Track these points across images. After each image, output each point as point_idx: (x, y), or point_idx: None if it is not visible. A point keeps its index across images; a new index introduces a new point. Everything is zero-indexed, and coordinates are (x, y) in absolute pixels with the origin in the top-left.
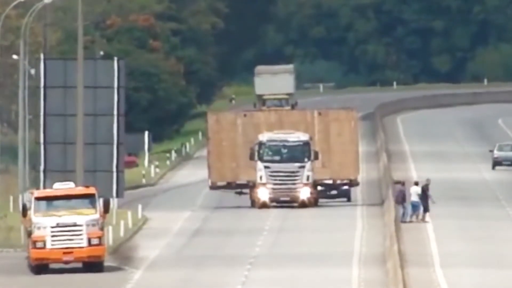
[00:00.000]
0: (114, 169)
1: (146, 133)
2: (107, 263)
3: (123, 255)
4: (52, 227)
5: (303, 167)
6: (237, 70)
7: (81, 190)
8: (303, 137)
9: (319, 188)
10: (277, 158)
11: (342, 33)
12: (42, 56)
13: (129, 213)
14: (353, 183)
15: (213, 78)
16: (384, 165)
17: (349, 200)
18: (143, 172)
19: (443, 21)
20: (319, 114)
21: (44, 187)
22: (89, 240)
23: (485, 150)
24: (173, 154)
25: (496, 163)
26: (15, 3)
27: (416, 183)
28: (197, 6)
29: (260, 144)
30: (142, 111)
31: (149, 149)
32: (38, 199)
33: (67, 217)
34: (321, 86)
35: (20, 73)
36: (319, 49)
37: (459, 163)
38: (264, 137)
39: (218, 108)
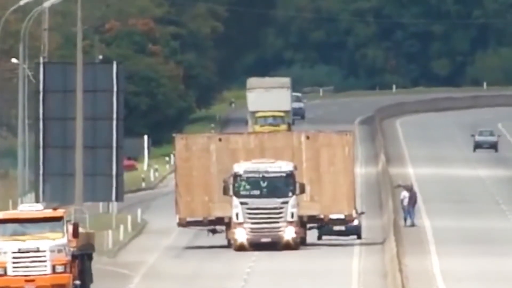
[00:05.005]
0: (114, 172)
1: (146, 137)
2: (108, 267)
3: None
4: (14, 253)
5: (286, 202)
6: (237, 74)
7: (47, 213)
8: (286, 167)
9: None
10: (255, 192)
11: (342, 37)
12: (41, 60)
13: (129, 217)
14: (347, 219)
15: (212, 82)
16: (383, 169)
17: (359, 238)
18: (143, 175)
19: (443, 25)
20: (307, 138)
21: (43, 191)
22: (53, 267)
23: (485, 154)
24: (172, 158)
25: (477, 145)
26: (14, 7)
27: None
28: (197, 10)
29: (236, 176)
30: (141, 115)
31: (148, 153)
32: (2, 221)
33: (30, 242)
34: (320, 90)
35: (19, 77)
36: (318, 53)
37: (458, 167)
38: (240, 168)
39: (219, 111)
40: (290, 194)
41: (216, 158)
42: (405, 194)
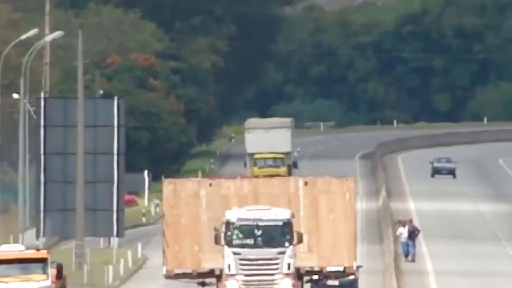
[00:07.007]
0: (115, 208)
1: (146, 172)
2: None
3: None
4: None
5: (282, 253)
6: (237, 109)
7: (31, 253)
8: (283, 214)
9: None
10: (249, 242)
11: (342, 72)
12: (42, 95)
13: (129, 252)
14: (347, 272)
15: (213, 117)
16: (384, 204)
17: None
18: (143, 211)
19: (443, 60)
20: (305, 183)
21: (44, 227)
22: None
23: (487, 189)
24: None
25: (436, 171)
26: (15, 41)
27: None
28: (197, 44)
29: (228, 224)
30: (142, 150)
31: (149, 188)
32: None
33: (14, 284)
34: (321, 125)
35: (20, 112)
36: (319, 87)
37: (459, 202)
38: (232, 215)
39: (219, 146)
40: (286, 244)
41: (207, 205)
42: (401, 230)
